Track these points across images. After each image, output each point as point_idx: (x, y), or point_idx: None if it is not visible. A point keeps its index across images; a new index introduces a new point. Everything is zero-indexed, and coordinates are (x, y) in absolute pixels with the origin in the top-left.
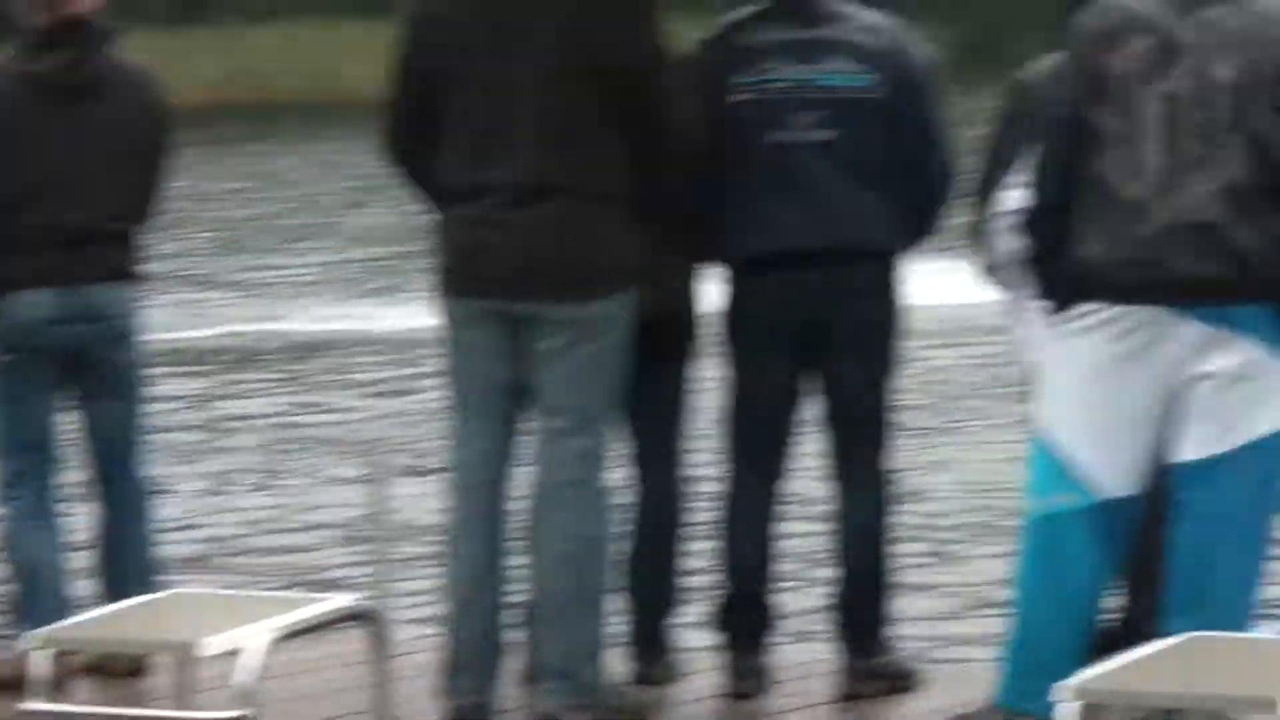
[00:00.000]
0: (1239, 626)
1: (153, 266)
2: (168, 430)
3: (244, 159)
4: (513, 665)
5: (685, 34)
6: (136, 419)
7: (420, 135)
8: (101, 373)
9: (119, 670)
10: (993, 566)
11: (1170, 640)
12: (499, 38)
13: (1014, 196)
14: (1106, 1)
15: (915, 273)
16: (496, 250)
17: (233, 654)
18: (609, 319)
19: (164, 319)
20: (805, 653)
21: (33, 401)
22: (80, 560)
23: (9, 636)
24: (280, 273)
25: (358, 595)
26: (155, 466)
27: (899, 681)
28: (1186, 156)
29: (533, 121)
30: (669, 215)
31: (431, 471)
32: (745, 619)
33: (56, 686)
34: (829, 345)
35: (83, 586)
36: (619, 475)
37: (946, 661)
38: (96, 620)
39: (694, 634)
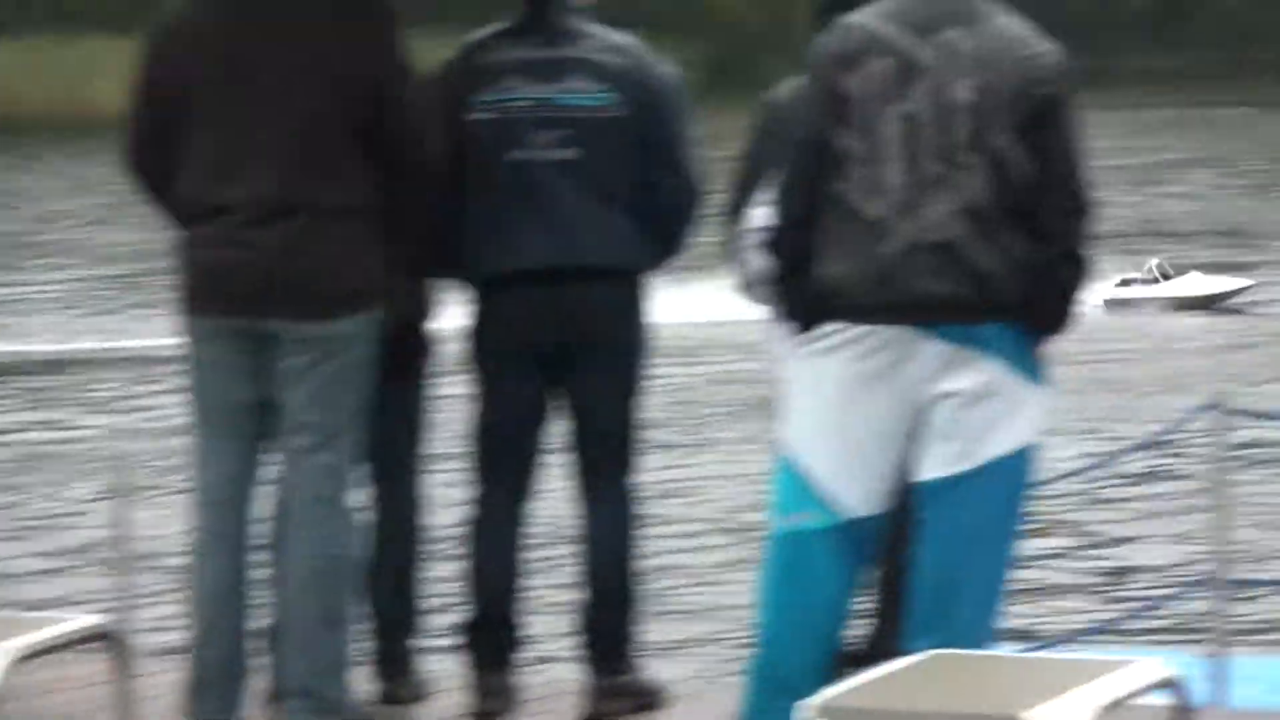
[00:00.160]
0: (982, 644)
1: None
2: None
3: None
4: (257, 685)
5: (428, 52)
6: None
7: (162, 152)
8: None
9: None
10: (738, 584)
11: (913, 658)
12: (241, 55)
13: (761, 215)
14: (847, 23)
15: (664, 290)
16: (238, 268)
17: None
18: (352, 336)
19: None
20: (552, 673)
21: None
22: None
23: None
24: (23, 290)
25: (99, 615)
26: None
27: (645, 700)
28: (927, 176)
29: (274, 139)
30: (411, 233)
31: (174, 491)
32: (492, 638)
33: None
34: (574, 364)
35: None
36: (363, 493)
37: (692, 678)
38: None
39: (441, 653)
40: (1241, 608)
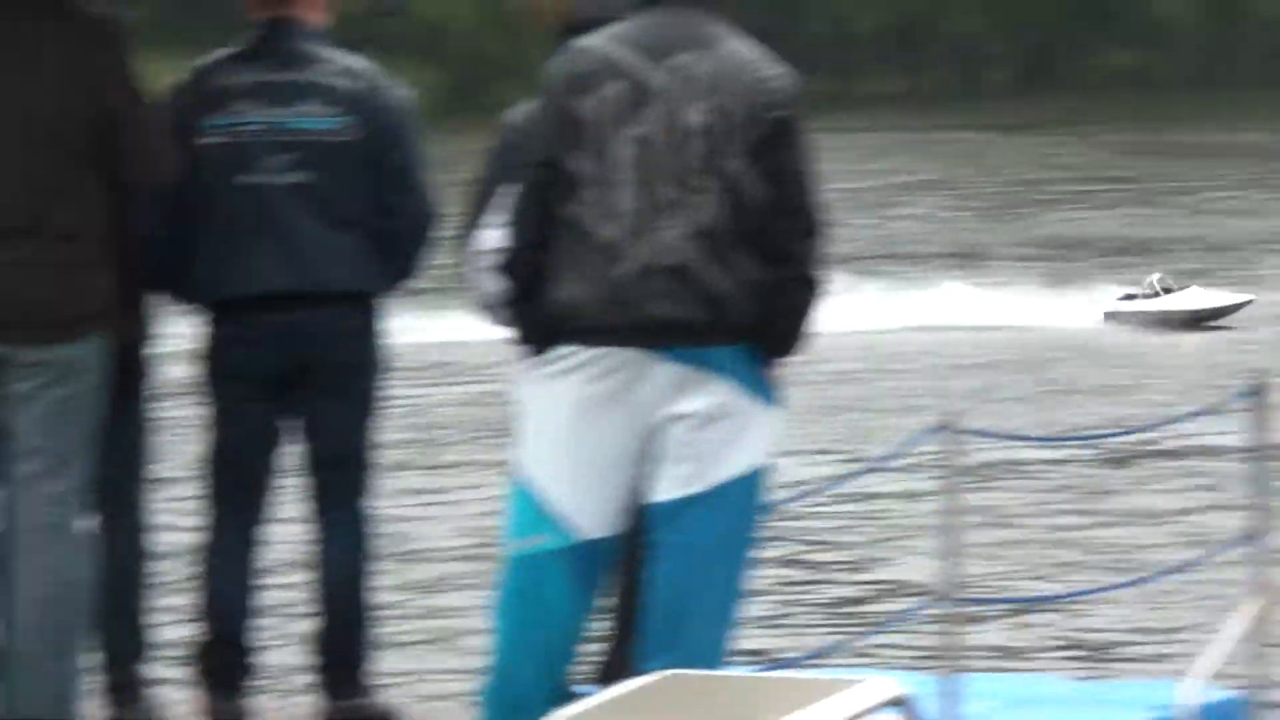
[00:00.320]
0: (716, 664)
1: None
2: None
3: None
4: None
5: (162, 74)
6: None
7: None
8: None
9: None
10: (473, 606)
11: (646, 679)
12: None
13: (493, 237)
14: (580, 46)
15: (400, 312)
16: None
17: None
18: (82, 361)
19: None
20: (285, 697)
21: None
22: None
23: None
24: None
25: None
26: None
27: None
28: (660, 200)
29: (4, 161)
30: (142, 256)
31: None
32: (224, 663)
33: None
34: (308, 387)
35: None
36: (91, 520)
37: (428, 700)
38: None
39: (172, 679)
40: (973, 626)
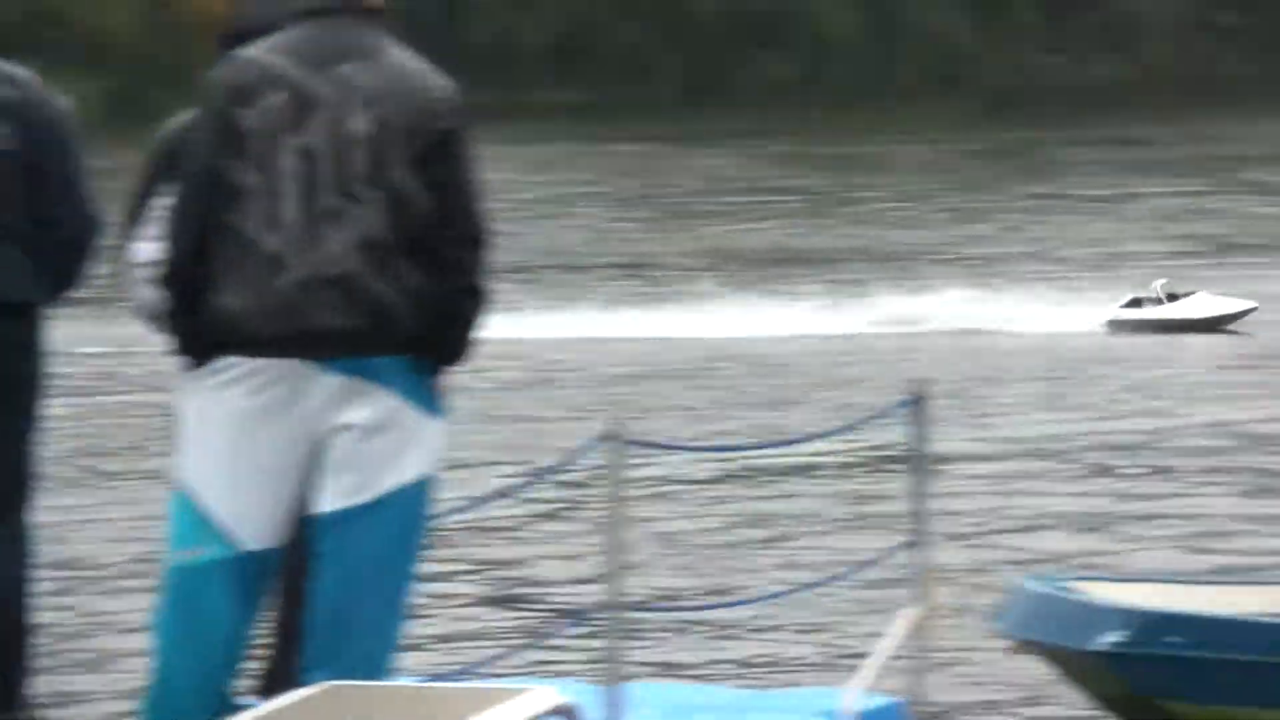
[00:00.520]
0: (379, 675)
1: None
2: None
3: None
4: None
5: None
6: None
7: None
8: None
9: None
10: (137, 625)
11: (307, 690)
12: None
13: (149, 249)
14: (243, 56)
15: (62, 324)
16: None
17: None
18: None
19: None
20: None
21: None
22: None
23: None
24: None
25: None
26: None
27: None
28: (324, 210)
29: None
30: None
31: None
32: None
33: None
34: None
35: None
36: None
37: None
38: None
39: None
40: (640, 636)
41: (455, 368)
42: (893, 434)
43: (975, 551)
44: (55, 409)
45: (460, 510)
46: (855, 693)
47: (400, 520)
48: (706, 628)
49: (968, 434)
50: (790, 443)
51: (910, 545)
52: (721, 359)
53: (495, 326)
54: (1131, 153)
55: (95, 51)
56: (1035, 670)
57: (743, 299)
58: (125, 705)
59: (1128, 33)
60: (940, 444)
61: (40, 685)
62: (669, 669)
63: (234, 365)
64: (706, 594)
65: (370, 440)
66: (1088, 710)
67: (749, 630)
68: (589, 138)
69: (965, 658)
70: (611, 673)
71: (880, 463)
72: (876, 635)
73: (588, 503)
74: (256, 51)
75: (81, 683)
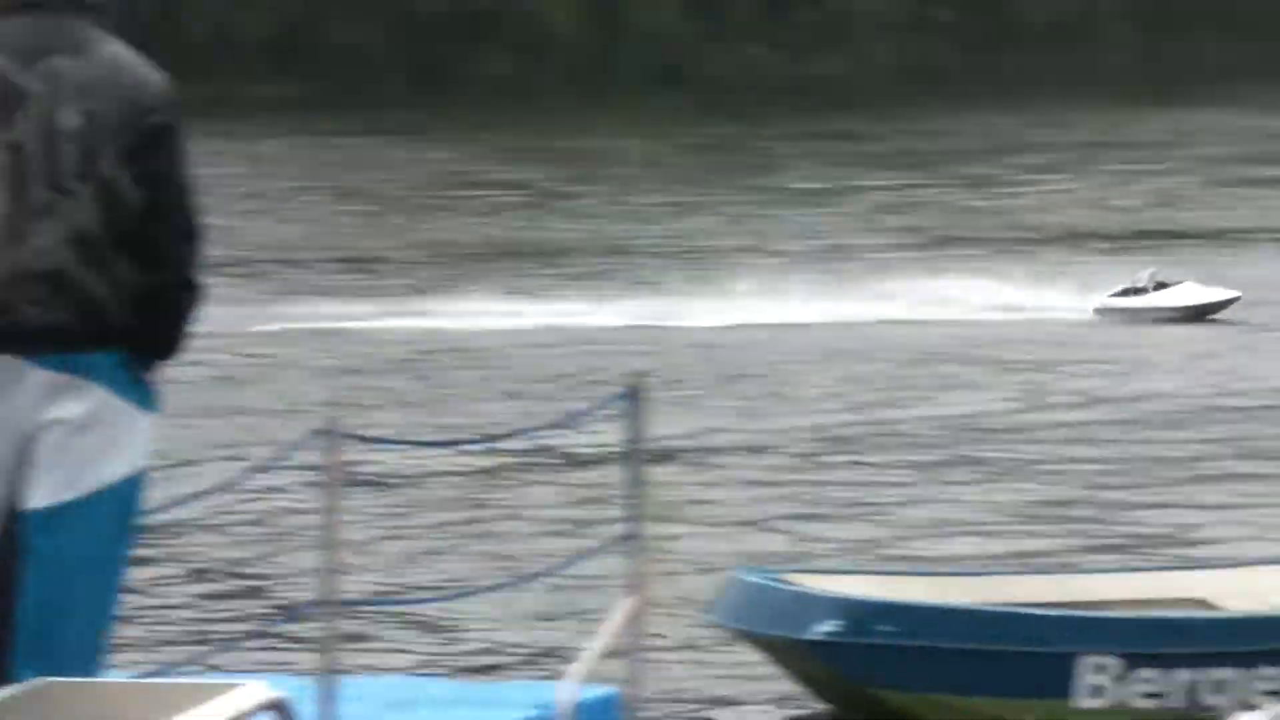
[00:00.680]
0: (91, 672)
1: None
2: None
3: None
4: None
5: None
6: None
7: None
8: None
9: None
10: None
11: (15, 687)
12: None
13: None
14: None
15: None
16: None
17: None
18: None
19: None
20: None
21: None
22: None
23: None
24: None
25: None
26: None
27: None
28: (34, 204)
29: None
30: None
31: None
32: None
33: None
34: None
35: None
36: None
37: None
38: None
39: None
40: (357, 630)
41: (168, 362)
42: (614, 427)
43: (692, 543)
44: None
45: (175, 505)
46: (571, 684)
47: (111, 516)
48: (424, 622)
49: (687, 427)
50: (509, 436)
51: (626, 538)
52: (442, 353)
53: (212, 320)
54: (849, 147)
55: None
56: (750, 660)
57: (464, 293)
58: None
59: (846, 28)
60: (661, 437)
61: None
62: (386, 663)
63: None
64: (424, 588)
65: (81, 436)
66: (800, 698)
67: (466, 624)
68: (309, 132)
69: (682, 649)
70: (326, 667)
71: (599, 456)
72: (593, 628)
73: (304, 498)
74: None
75: None
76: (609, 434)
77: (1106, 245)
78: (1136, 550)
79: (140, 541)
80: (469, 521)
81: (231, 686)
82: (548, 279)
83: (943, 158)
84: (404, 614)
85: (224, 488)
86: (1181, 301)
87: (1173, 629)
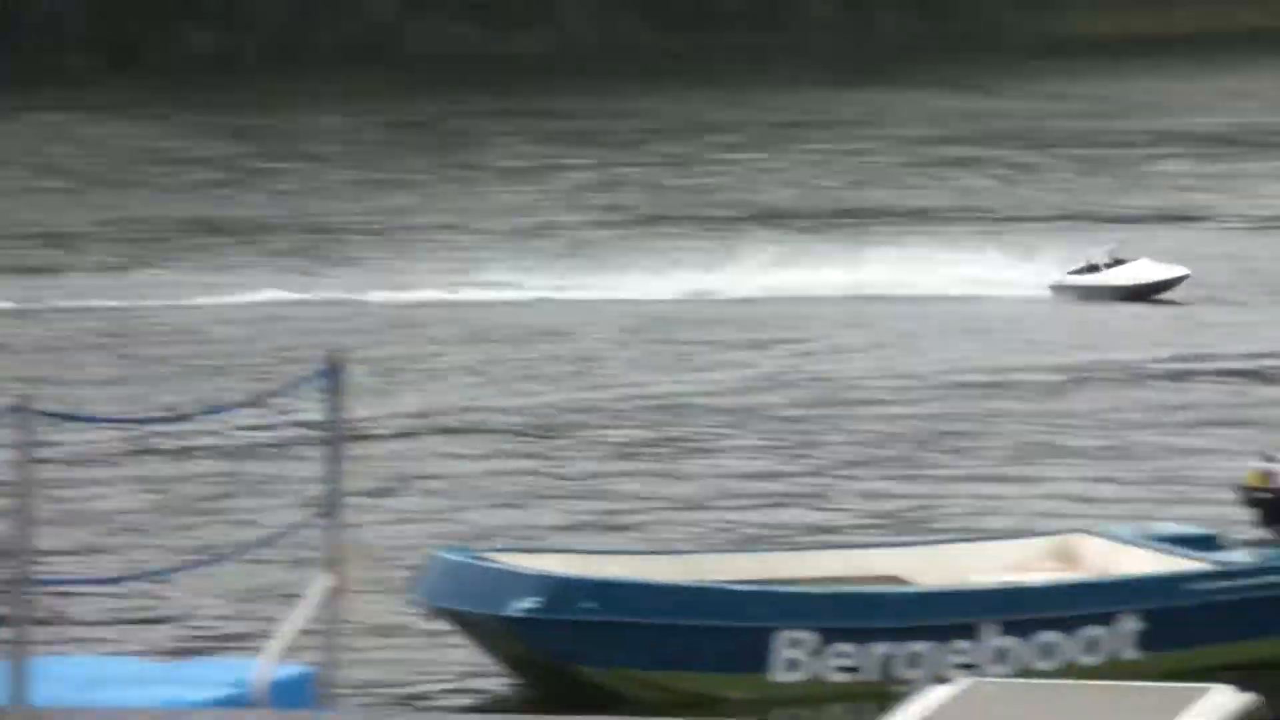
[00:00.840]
0: None
1: None
2: None
3: None
4: None
5: None
6: None
7: None
8: None
9: None
10: None
11: None
12: None
13: None
14: None
15: None
16: None
17: None
18: None
19: None
20: None
21: None
22: None
23: None
24: None
25: None
26: None
27: None
28: None
29: None
30: None
31: None
32: None
33: None
34: None
35: None
36: None
37: None
38: None
39: None
40: (45, 607)
41: None
42: (313, 405)
43: (392, 522)
44: None
45: None
46: (266, 663)
47: None
48: (121, 601)
49: (388, 405)
50: (207, 414)
51: (324, 516)
52: (141, 331)
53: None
54: (552, 125)
55: None
56: (451, 638)
57: (164, 270)
58: None
59: (547, 5)
60: (362, 415)
61: None
62: (82, 642)
63: None
64: (120, 567)
65: None
66: (501, 676)
67: (164, 603)
68: (4, 108)
69: (383, 627)
70: (18, 647)
71: (297, 434)
72: (290, 607)
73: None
74: None
75: None
76: (308, 412)
77: (807, 224)
78: (834, 529)
79: None
80: (166, 500)
81: None
82: (248, 256)
83: (645, 136)
84: (99, 593)
85: None
86: (1134, 279)
87: (868, 604)
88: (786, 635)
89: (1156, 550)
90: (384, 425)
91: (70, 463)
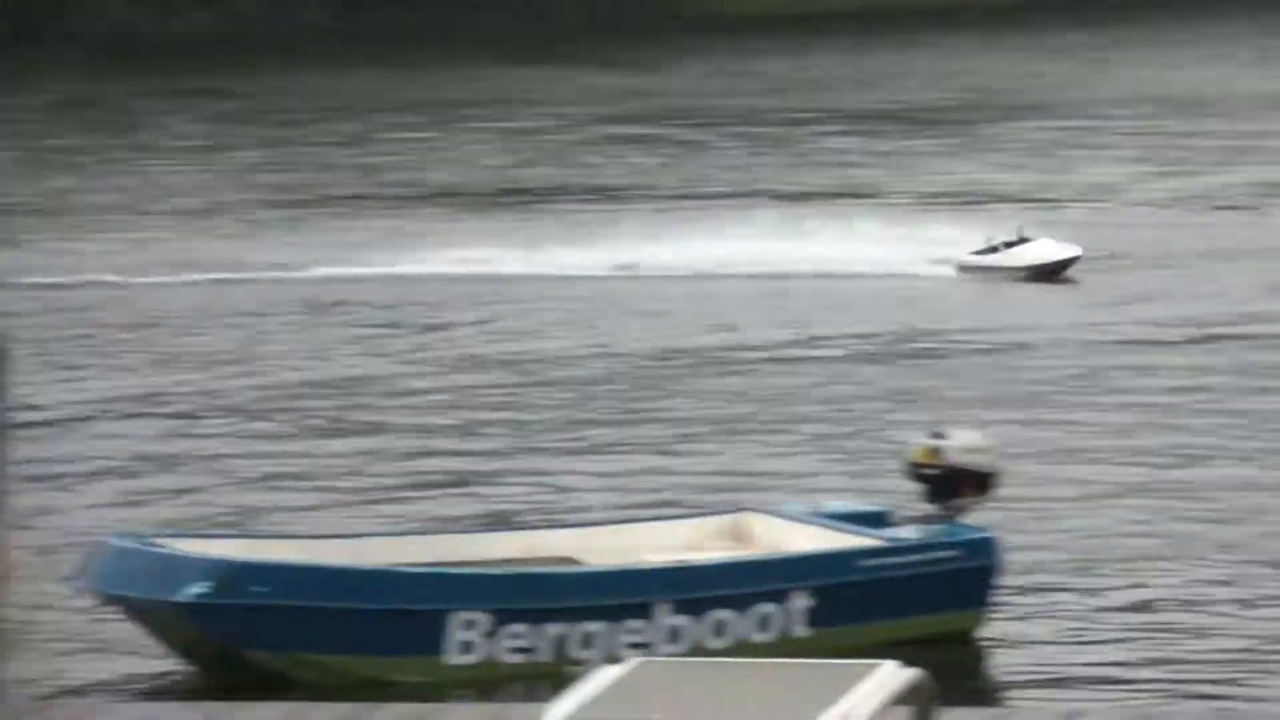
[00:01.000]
0: None
1: None
2: None
3: None
4: None
5: None
6: None
7: None
8: None
9: None
10: None
11: None
12: None
13: None
14: None
15: None
16: None
17: None
18: None
19: None
20: None
21: None
22: None
23: None
24: None
25: None
26: None
27: None
28: None
29: None
30: None
31: None
32: None
33: None
34: None
35: None
36: None
37: None
38: None
39: None
40: None
41: None
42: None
43: (63, 511)
44: None
45: None
46: None
47: None
48: None
49: (55, 390)
50: None
51: None
52: None
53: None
54: (221, 105)
55: None
56: (123, 626)
57: None
58: None
59: None
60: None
61: None
62: None
63: None
64: None
65: None
66: (173, 663)
67: None
68: None
69: (50, 616)
70: None
71: None
72: None
73: None
74: None
75: None
76: None
77: (478, 202)
78: (508, 510)
79: None
80: None
81: None
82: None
83: (316, 116)
84: None
85: None
86: (1033, 259)
87: (540, 585)
88: (460, 617)
89: (826, 527)
90: (52, 411)
91: None
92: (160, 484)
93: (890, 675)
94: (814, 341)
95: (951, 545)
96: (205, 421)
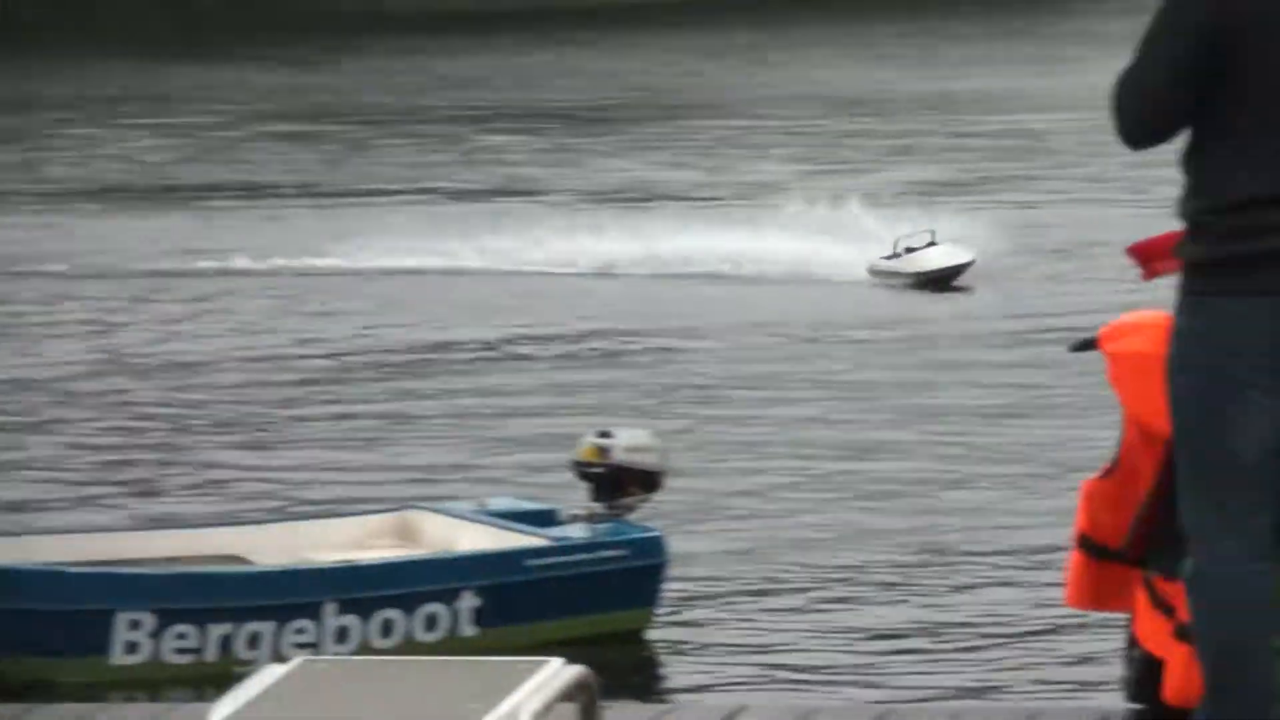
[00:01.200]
0: None
1: None
2: None
3: None
4: None
5: None
6: None
7: None
8: None
9: None
10: None
11: None
12: None
13: None
14: None
15: None
16: None
17: None
18: None
19: None
20: None
21: None
22: None
23: None
24: None
25: None
26: None
27: None
28: None
29: None
30: None
31: None
32: None
33: None
34: None
35: None
36: None
37: None
38: None
39: None
40: None
41: None
42: None
43: None
44: None
45: None
46: None
47: None
48: None
49: None
50: None
51: None
52: None
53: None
54: None
55: None
56: None
57: None
58: None
59: None
60: None
61: None
62: None
63: None
64: None
65: None
66: None
67: None
68: None
69: None
70: None
71: None
72: None
73: None
74: None
75: None
76: None
77: (139, 200)
78: (175, 508)
79: None
80: None
81: None
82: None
83: (38, 106)
84: None
85: None
86: (918, 267)
87: (206, 585)
88: (124, 617)
89: (493, 526)
90: None
91: None
92: None
93: (555, 672)
94: (491, 341)
95: (618, 544)
96: None
